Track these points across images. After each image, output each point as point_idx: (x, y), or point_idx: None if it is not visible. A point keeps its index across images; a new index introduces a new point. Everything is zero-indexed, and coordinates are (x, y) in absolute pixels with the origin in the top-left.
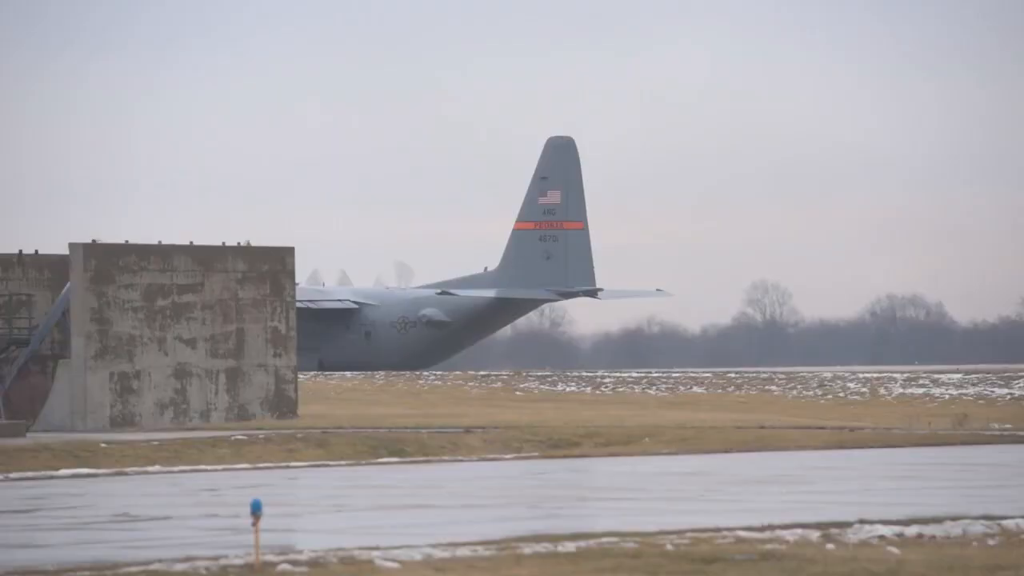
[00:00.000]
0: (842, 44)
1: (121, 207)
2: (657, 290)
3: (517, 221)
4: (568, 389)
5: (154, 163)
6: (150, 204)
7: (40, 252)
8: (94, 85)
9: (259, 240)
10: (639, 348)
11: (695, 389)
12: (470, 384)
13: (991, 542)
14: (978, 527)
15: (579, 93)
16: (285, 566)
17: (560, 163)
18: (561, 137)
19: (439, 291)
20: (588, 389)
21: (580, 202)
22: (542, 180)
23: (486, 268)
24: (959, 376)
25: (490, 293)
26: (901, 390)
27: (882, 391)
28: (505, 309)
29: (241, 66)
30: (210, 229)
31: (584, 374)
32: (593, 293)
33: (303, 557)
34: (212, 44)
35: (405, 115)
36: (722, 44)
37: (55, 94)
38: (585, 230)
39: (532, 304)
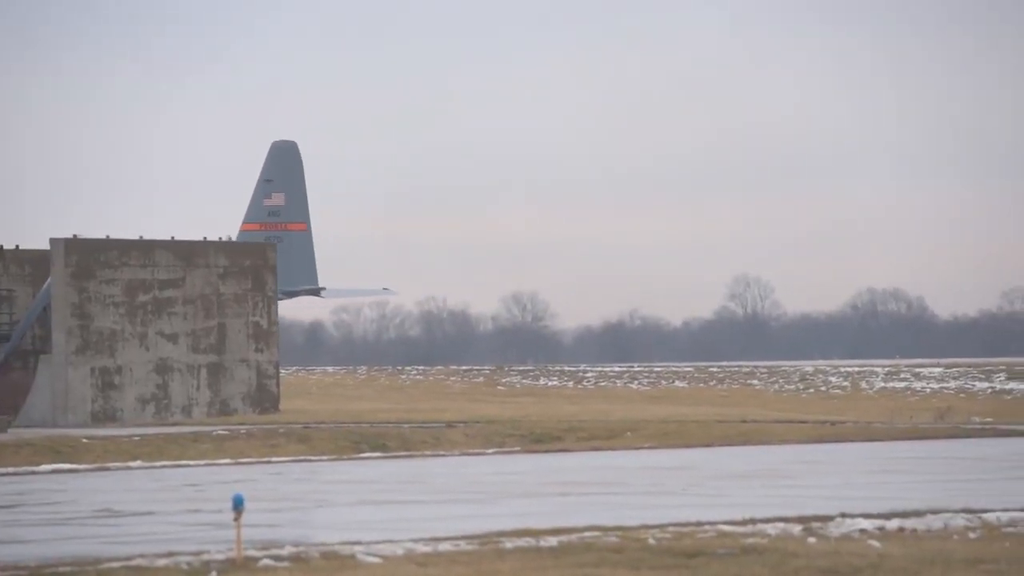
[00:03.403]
0: (821, 38)
1: (102, 202)
2: (384, 289)
3: (244, 222)
4: (550, 383)
5: (136, 158)
6: (131, 199)
7: (20, 247)
8: (75, 81)
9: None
10: (621, 341)
11: (677, 383)
12: (452, 379)
13: (972, 535)
14: (959, 520)
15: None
16: (267, 561)
17: (284, 166)
18: (285, 141)
19: None
20: (570, 383)
21: (303, 204)
22: (267, 183)
23: None
24: (940, 370)
25: None
26: (883, 384)
27: (864, 385)
28: None
29: (224, 63)
30: (192, 224)
31: (566, 368)
32: (316, 292)
33: (285, 552)
34: (195, 42)
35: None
36: (706, 35)
37: (36, 90)
38: (308, 231)
39: None
